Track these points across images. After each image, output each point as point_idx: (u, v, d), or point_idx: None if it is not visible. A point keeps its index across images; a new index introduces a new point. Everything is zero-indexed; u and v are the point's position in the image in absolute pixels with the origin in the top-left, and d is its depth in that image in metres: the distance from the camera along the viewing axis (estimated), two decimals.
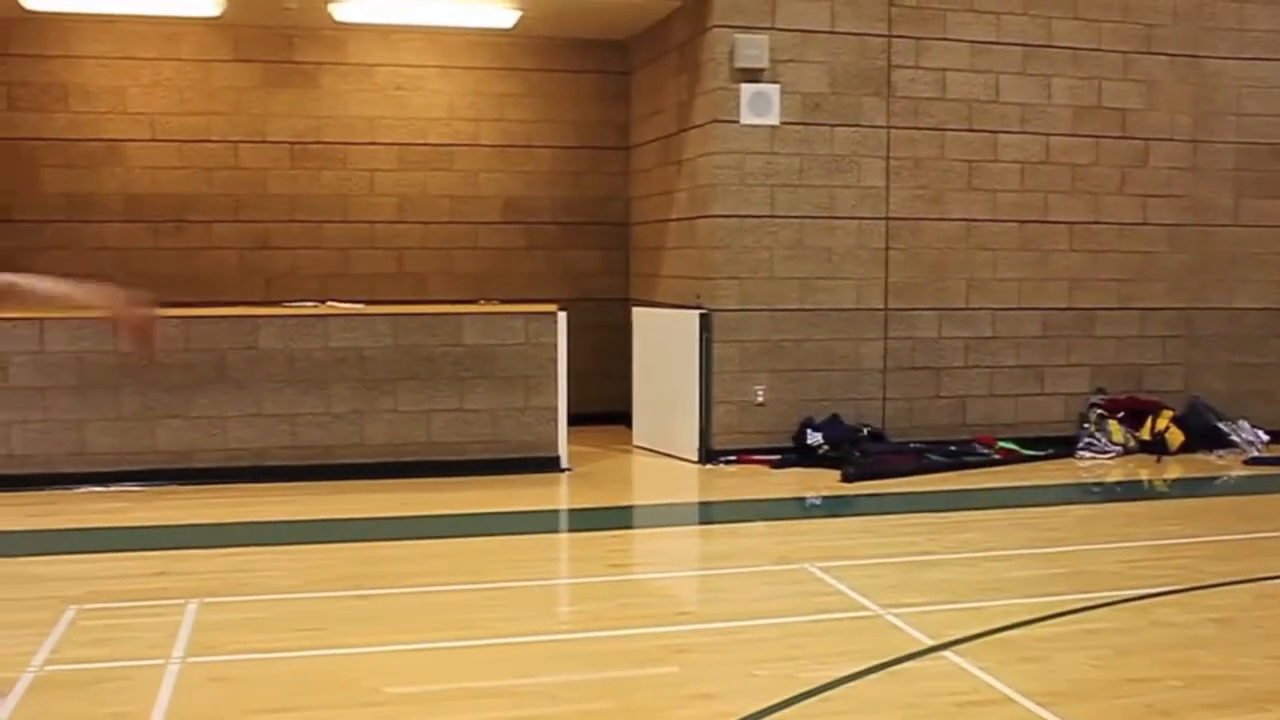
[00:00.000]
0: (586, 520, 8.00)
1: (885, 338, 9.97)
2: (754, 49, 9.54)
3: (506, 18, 10.48)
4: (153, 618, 5.45)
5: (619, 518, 8.04)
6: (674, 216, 10.46)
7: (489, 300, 10.41)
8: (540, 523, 7.81)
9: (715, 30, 9.55)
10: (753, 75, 9.59)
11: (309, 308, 9.15)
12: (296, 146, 11.06)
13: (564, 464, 9.20)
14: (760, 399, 9.68)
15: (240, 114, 10.92)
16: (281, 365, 8.75)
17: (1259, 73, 10.87)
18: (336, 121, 11.12)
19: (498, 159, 11.50)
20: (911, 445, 9.76)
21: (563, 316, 9.18)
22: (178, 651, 4.98)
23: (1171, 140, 10.73)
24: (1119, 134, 10.57)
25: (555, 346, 9.14)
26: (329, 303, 9.51)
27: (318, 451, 8.81)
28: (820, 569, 6.35)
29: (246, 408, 8.73)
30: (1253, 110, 10.89)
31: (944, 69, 10.06)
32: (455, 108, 11.38)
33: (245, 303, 10.14)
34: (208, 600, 5.73)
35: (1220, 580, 6.25)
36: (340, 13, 10.17)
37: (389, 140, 11.24)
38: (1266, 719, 4.35)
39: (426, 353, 8.95)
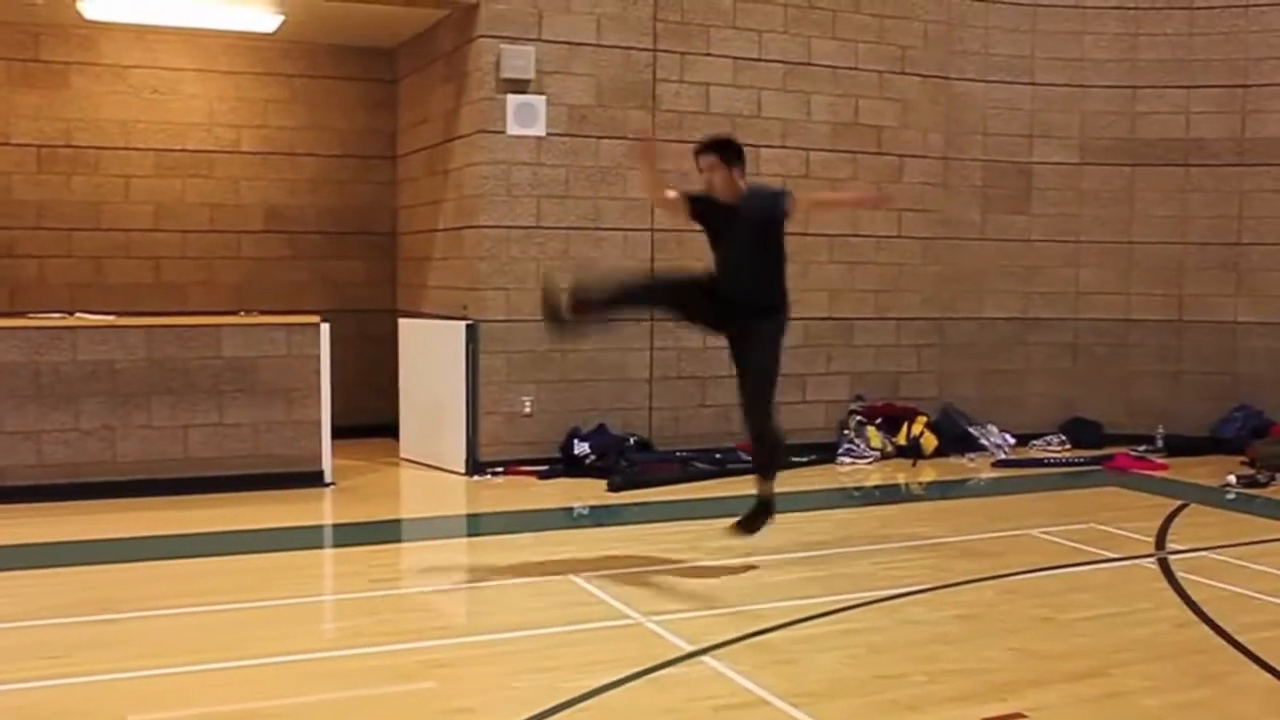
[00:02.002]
0: (350, 535, 7.85)
1: (651, 348, 10.08)
2: (520, 60, 9.54)
3: (269, 22, 10.21)
4: None
5: (384, 532, 7.90)
6: (441, 227, 10.37)
7: (250, 311, 10.12)
8: (302, 539, 7.61)
9: (481, 40, 9.52)
10: (519, 86, 9.58)
11: (56, 319, 8.72)
12: (44, 150, 10.55)
13: (328, 478, 9.01)
14: (527, 410, 9.67)
15: None
16: (25, 380, 8.31)
17: (1002, 95, 11.42)
18: (88, 124, 10.65)
19: (260, 166, 11.20)
20: (677, 454, 9.89)
21: (326, 328, 8.99)
22: None
23: (924, 157, 11.18)
24: (875, 150, 10.95)
25: (319, 358, 8.94)
26: (79, 314, 9.09)
27: (65, 470, 8.39)
28: (584, 579, 6.37)
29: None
30: (997, 130, 11.43)
31: (708, 83, 10.25)
32: (215, 113, 11.04)
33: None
34: None
35: (966, 578, 6.52)
36: (90, 10, 9.72)
37: (145, 145, 10.82)
38: (1004, 708, 4.54)
39: (182, 365, 8.63)
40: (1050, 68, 11.52)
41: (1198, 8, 11.40)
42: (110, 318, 8.81)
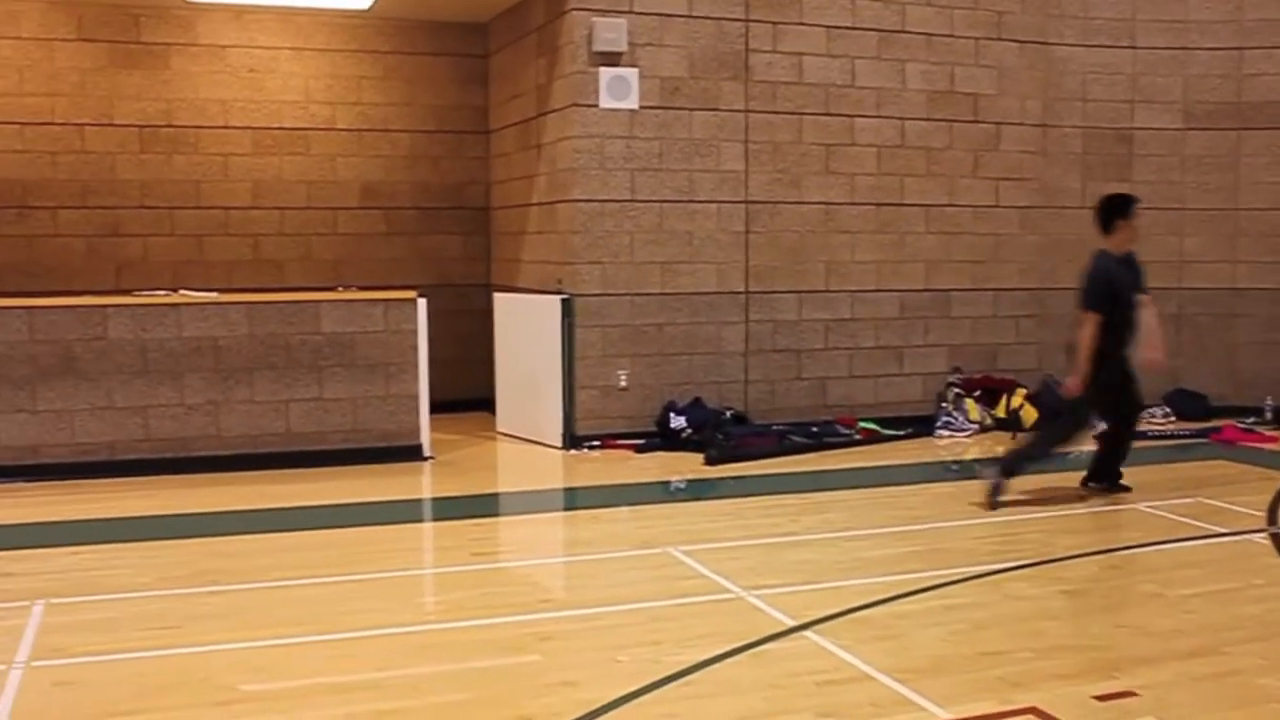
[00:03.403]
0: (449, 509, 7.92)
1: (746, 321, 10.04)
2: (612, 33, 9.51)
3: (363, 0, 10.30)
4: None
5: (482, 505, 7.97)
6: (534, 201, 10.40)
7: (348, 287, 10.24)
8: (403, 512, 7.70)
9: (574, 13, 9.50)
10: (611, 59, 9.56)
11: (161, 296, 8.89)
12: (146, 130, 10.73)
13: (427, 452, 9.10)
14: (623, 384, 9.68)
15: (85, 96, 10.56)
16: (133, 356, 8.49)
17: (1103, 59, 11.17)
18: (187, 104, 10.82)
19: (355, 143, 11.30)
20: (773, 427, 9.85)
21: (422, 303, 9.07)
22: (21, 656, 4.81)
23: (1021, 125, 10.99)
24: (971, 118, 10.78)
25: (415, 333, 9.03)
26: (181, 291, 9.26)
27: (172, 444, 8.58)
28: (683, 552, 6.37)
29: (96, 400, 8.46)
30: (1097, 96, 11.19)
31: (801, 53, 10.14)
32: (311, 91, 11.15)
33: (93, 292, 9.84)
34: (54, 601, 5.54)
35: (1069, 553, 6.42)
36: None
37: (242, 124, 10.97)
38: (1112, 686, 4.47)
39: (284, 341, 8.76)
40: (1152, 30, 11.25)
41: None
42: (213, 294, 8.96)
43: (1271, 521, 7.25)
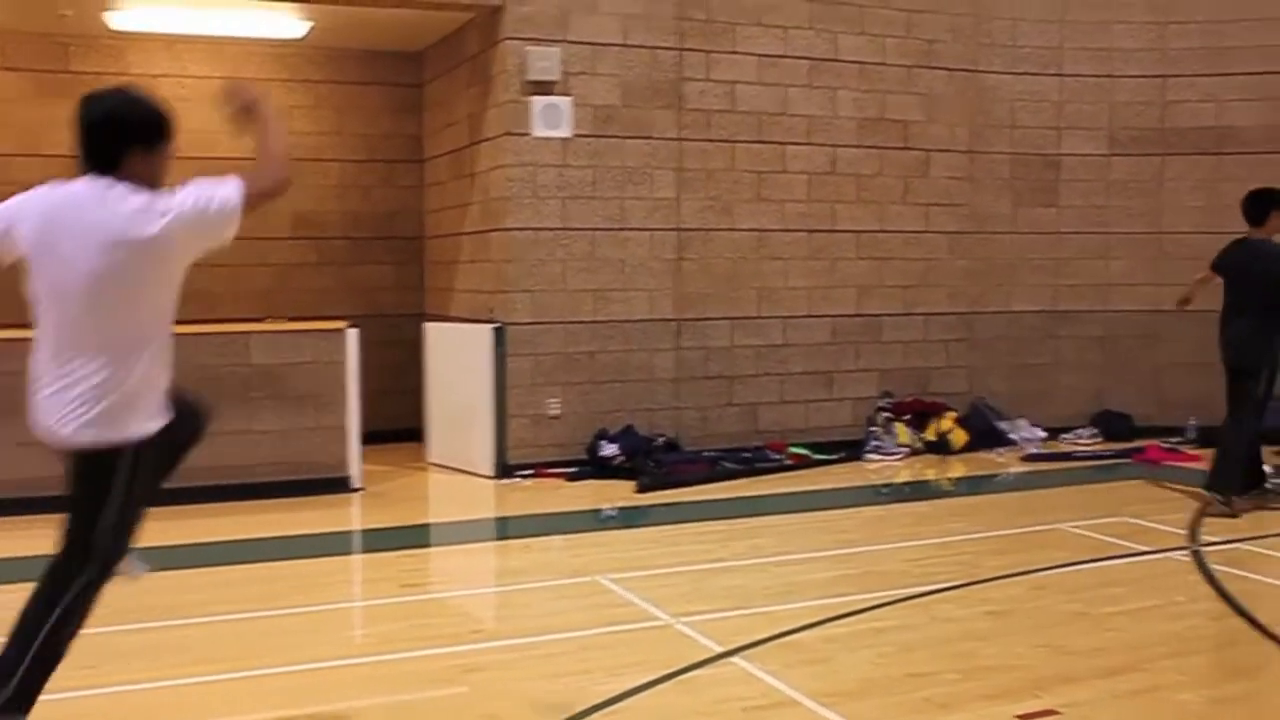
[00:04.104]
0: (380, 540, 7.86)
1: (678, 348, 10.07)
2: (545, 61, 9.54)
3: (297, 28, 10.27)
4: None
5: (413, 536, 7.92)
6: (467, 230, 10.39)
7: (278, 318, 10.17)
8: (332, 545, 7.63)
9: (507, 43, 9.53)
10: (544, 88, 9.59)
11: None
12: (75, 160, 10.58)
13: (356, 483, 9.03)
14: (555, 412, 9.67)
15: (10, 126, 10.42)
16: None
17: (1030, 87, 11.35)
18: None
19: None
20: (705, 454, 9.87)
21: (353, 333, 9.02)
22: None
23: (951, 151, 11.12)
24: (901, 145, 10.90)
25: (345, 364, 8.97)
26: None
27: None
28: (613, 580, 6.36)
29: (17, 435, 8.29)
30: (1025, 123, 11.36)
31: (733, 82, 10.22)
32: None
33: (17, 325, 9.70)
34: None
35: (997, 574, 6.48)
36: (117, 21, 9.80)
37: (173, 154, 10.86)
38: (1035, 705, 4.51)
39: (212, 373, 8.66)
40: (1078, 58, 11.45)
41: None
42: None
43: (1193, 539, 7.36)
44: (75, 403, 3.80)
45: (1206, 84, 11.38)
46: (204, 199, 3.77)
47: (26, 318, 4.07)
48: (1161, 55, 11.44)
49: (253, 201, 3.85)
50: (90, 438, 3.81)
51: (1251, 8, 11.27)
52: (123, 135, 3.88)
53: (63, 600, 3.94)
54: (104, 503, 3.91)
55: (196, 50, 10.84)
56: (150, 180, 3.88)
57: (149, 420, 3.91)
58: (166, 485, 4.39)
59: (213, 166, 10.95)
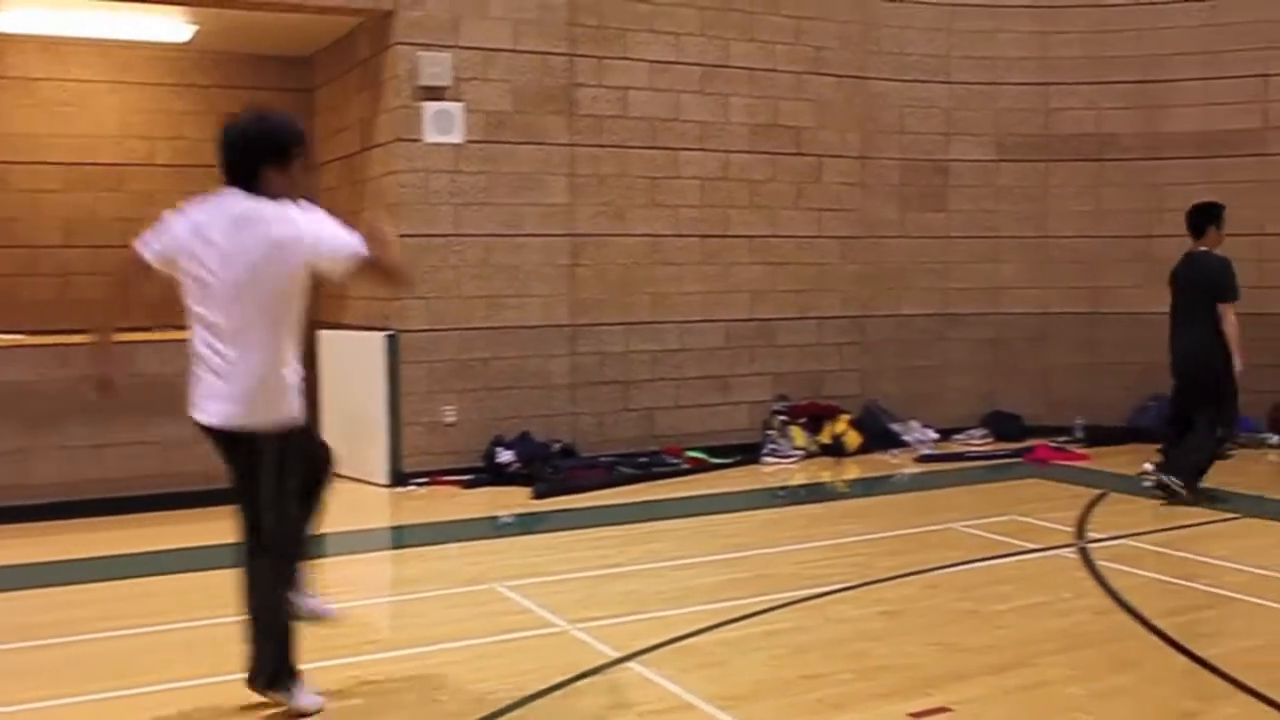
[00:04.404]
0: None
1: (573, 353, 10.06)
2: (436, 67, 9.49)
3: (182, 31, 10.09)
4: None
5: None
6: None
7: (167, 327, 9.94)
8: (225, 557, 7.41)
9: (397, 48, 9.45)
10: (436, 93, 9.53)
11: None
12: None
13: None
14: (450, 419, 9.61)
15: None
16: None
17: (918, 94, 11.53)
18: None
19: (175, 179, 10.99)
20: (602, 459, 9.88)
21: None
22: None
23: (842, 157, 11.25)
24: (793, 151, 11.01)
25: None
26: None
27: None
28: (510, 588, 6.34)
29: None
30: (914, 129, 11.54)
31: (626, 88, 10.25)
32: (128, 125, 10.87)
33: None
34: None
35: (890, 574, 6.57)
36: None
37: (54, 159, 10.62)
38: (927, 703, 4.58)
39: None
40: (964, 66, 11.66)
41: (1107, 5, 11.60)
42: (20, 337, 8.64)
43: (1079, 535, 7.52)
44: (225, 390, 4.35)
45: (1088, 92, 11.65)
46: (330, 232, 4.39)
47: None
48: (1045, 64, 11.70)
49: (373, 264, 4.44)
50: (238, 420, 4.36)
51: (1130, 19, 11.56)
52: (256, 154, 4.40)
53: (262, 589, 4.61)
54: (258, 484, 4.48)
55: (79, 52, 10.61)
56: (285, 193, 4.41)
57: (286, 411, 4.44)
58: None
59: (95, 174, 10.79)
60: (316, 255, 4.39)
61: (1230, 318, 8.22)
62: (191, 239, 4.43)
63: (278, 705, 4.61)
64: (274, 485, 4.49)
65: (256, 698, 4.67)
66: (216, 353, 4.40)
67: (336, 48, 10.70)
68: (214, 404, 4.41)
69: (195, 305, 4.44)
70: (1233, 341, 8.18)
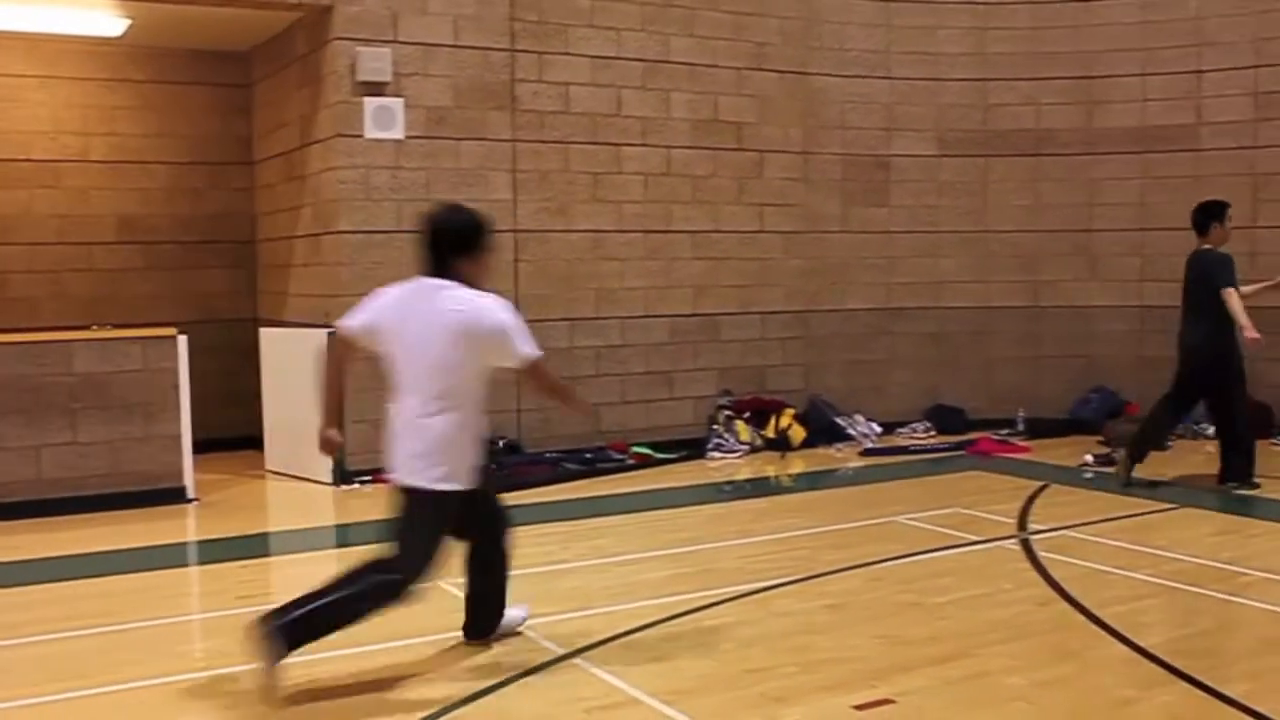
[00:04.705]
0: (215, 552, 7.65)
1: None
2: (376, 62, 9.43)
3: (115, 26, 9.95)
4: None
5: (249, 547, 7.73)
6: (300, 233, 10.21)
7: (104, 325, 9.84)
8: (165, 558, 7.41)
9: (336, 43, 9.39)
10: (376, 89, 9.47)
11: None
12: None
13: (191, 494, 8.80)
14: None
15: None
16: None
17: (860, 89, 11.60)
18: None
19: (111, 175, 10.90)
20: (547, 455, 9.87)
21: (183, 340, 8.77)
22: None
23: (784, 152, 11.30)
24: (735, 146, 11.04)
25: (176, 371, 8.73)
26: None
27: None
28: (456, 586, 6.30)
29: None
30: (856, 124, 11.61)
31: (567, 83, 10.23)
32: (61, 121, 10.72)
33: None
34: None
35: (834, 568, 6.60)
36: None
37: None
38: (871, 695, 4.61)
39: (34, 383, 8.35)
40: (905, 62, 11.74)
41: (1044, 2, 11.72)
42: None
43: (1021, 527, 7.60)
44: (411, 452, 4.90)
45: (1026, 88, 11.77)
46: (515, 329, 4.91)
47: None
48: (983, 60, 11.80)
49: (538, 374, 5.16)
50: (415, 480, 4.89)
51: (1067, 16, 11.69)
52: (450, 245, 4.92)
53: (359, 580, 4.91)
54: (413, 533, 4.93)
55: (9, 47, 10.47)
56: (474, 279, 4.94)
57: (458, 477, 4.93)
58: None
59: (29, 170, 10.62)
60: (497, 347, 4.90)
61: (1232, 301, 8.42)
62: (392, 317, 5.00)
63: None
64: (426, 536, 4.97)
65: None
66: (413, 415, 4.95)
67: (274, 43, 10.61)
68: (412, 462, 4.92)
69: (396, 377, 5.02)
70: (1239, 318, 8.37)
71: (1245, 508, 8.19)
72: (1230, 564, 6.60)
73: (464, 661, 5.09)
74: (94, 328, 9.57)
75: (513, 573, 5.50)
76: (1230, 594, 6.01)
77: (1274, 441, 10.72)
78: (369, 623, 5.77)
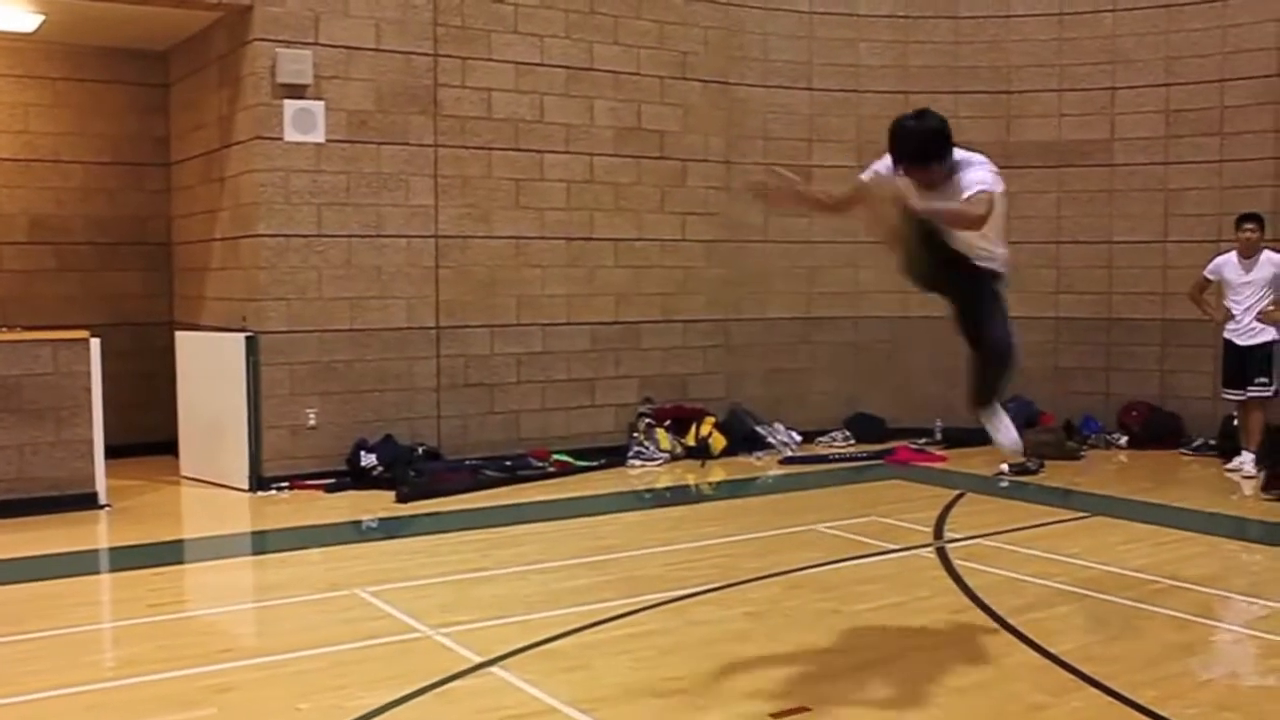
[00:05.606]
0: (127, 559, 7.51)
1: (438, 356, 9.98)
2: (297, 64, 9.33)
3: (27, 21, 9.76)
4: None
5: (162, 554, 7.60)
6: (218, 236, 10.07)
7: (14, 327, 9.64)
8: (75, 565, 7.26)
9: (256, 44, 9.28)
10: (296, 91, 9.37)
11: None
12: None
13: (103, 500, 8.64)
14: (312, 422, 9.45)
15: None
16: None
17: (782, 100, 11.68)
18: None
19: (22, 174, 10.68)
20: (467, 462, 9.81)
21: (95, 343, 8.62)
22: None
23: (706, 161, 11.35)
24: (658, 155, 11.06)
25: (88, 375, 8.57)
26: None
27: None
28: (371, 593, 6.26)
29: None
30: (777, 134, 11.68)
31: (490, 89, 10.19)
32: None
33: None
34: None
35: (754, 575, 6.63)
36: None
37: None
38: (788, 703, 4.61)
39: None
40: (826, 73, 11.84)
41: (962, 17, 11.89)
42: None
43: (938, 535, 7.68)
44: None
45: (945, 101, 11.87)
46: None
47: None
48: (903, 72, 11.94)
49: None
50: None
51: (987, 31, 11.86)
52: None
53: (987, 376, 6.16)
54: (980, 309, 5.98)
55: None
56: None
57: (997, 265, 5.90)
58: None
59: None
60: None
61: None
62: None
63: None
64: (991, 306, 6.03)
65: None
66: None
67: (193, 42, 10.46)
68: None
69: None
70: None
71: (1155, 516, 8.34)
72: (1140, 571, 6.71)
73: (381, 671, 5.04)
74: (3, 330, 9.37)
75: (436, 579, 5.43)
76: (1139, 601, 6.12)
77: (1182, 451, 10.95)
78: (282, 631, 5.70)
